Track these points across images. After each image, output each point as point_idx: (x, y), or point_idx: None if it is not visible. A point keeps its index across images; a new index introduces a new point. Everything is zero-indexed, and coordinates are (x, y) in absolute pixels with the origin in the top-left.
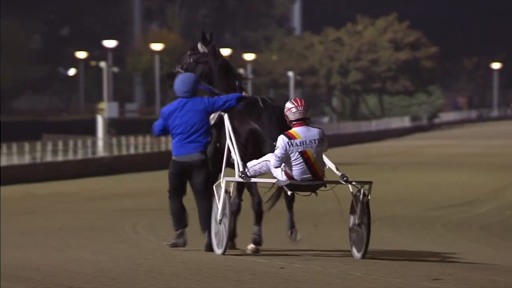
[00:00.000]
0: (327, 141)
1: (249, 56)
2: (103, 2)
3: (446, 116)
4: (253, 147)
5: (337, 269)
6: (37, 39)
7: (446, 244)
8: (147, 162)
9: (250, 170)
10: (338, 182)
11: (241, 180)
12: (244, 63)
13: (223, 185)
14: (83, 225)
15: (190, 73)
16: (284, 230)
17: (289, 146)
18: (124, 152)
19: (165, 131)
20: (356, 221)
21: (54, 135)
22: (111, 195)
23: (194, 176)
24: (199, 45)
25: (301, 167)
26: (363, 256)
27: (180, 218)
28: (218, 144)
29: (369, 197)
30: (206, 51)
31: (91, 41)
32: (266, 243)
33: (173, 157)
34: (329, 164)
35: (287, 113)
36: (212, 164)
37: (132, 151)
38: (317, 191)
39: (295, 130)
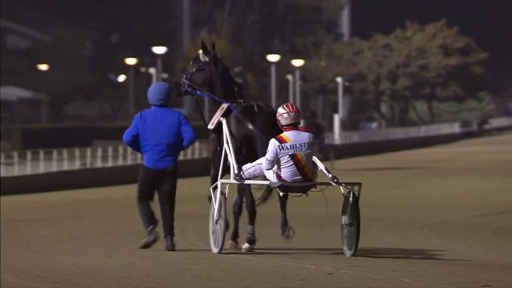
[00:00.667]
0: (316, 145)
1: (297, 62)
2: (153, 9)
3: (496, 122)
4: (247, 150)
5: (385, 275)
6: (89, 46)
7: (495, 250)
8: (196, 167)
9: (245, 173)
10: (328, 184)
11: (236, 182)
12: (293, 69)
13: (219, 187)
14: (131, 231)
15: (164, 83)
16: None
17: (280, 149)
18: (182, 157)
19: (134, 141)
20: (347, 221)
21: (104, 141)
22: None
23: (162, 183)
24: (200, 55)
25: (292, 169)
26: (354, 254)
27: (149, 217)
28: (218, 148)
29: (359, 198)
30: (207, 59)
31: (141, 48)
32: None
33: (143, 166)
34: (320, 166)
35: (279, 118)
36: (213, 167)
37: (181, 157)
38: (309, 192)
39: (286, 134)
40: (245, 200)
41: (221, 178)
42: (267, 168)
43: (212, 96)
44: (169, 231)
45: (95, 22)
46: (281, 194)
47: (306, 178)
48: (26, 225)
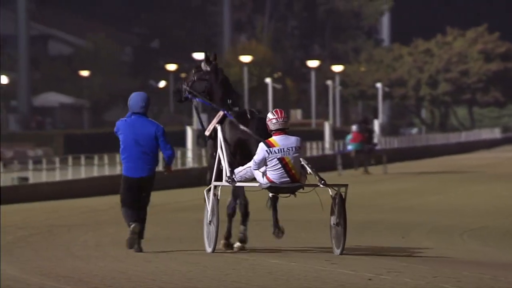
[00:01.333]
0: (303, 148)
1: (337, 68)
2: (193, 15)
3: None
4: (241, 154)
5: (425, 281)
6: (129, 52)
7: None
8: None
9: (237, 176)
10: (316, 185)
11: (228, 184)
12: (333, 75)
13: (212, 190)
14: (171, 236)
15: (143, 92)
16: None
17: (268, 153)
18: None
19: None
20: (335, 221)
21: None
22: (199, 206)
23: (139, 190)
24: (202, 64)
25: (280, 172)
26: (341, 253)
27: (131, 215)
28: (214, 154)
29: (345, 199)
30: (209, 69)
31: (181, 53)
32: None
33: (125, 175)
34: (309, 169)
35: (268, 123)
36: (210, 171)
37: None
38: (308, 197)
39: (274, 139)
40: (239, 202)
41: (214, 181)
42: (254, 169)
43: (210, 103)
44: (139, 234)
45: (136, 28)
46: (270, 195)
47: (294, 179)
48: (67, 230)
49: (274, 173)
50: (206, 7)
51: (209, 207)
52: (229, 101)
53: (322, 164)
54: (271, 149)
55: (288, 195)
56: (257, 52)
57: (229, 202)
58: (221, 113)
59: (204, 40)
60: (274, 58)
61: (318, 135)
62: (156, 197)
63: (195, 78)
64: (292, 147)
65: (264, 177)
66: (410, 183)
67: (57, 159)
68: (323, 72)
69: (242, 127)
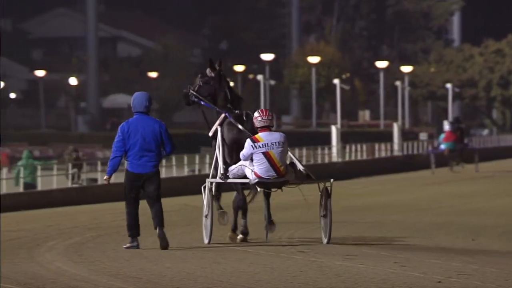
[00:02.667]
0: (287, 144)
1: (406, 68)
2: (262, 17)
3: None
4: (237, 153)
5: (495, 284)
6: (197, 53)
7: None
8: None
9: (231, 173)
10: (301, 180)
11: (221, 181)
12: (402, 75)
13: (207, 186)
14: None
15: (146, 92)
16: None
17: (253, 148)
18: None
19: (122, 156)
20: (322, 213)
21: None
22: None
23: (146, 186)
24: (207, 70)
25: (265, 165)
26: (328, 242)
27: (134, 227)
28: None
29: (331, 192)
30: (213, 75)
31: (249, 55)
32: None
33: (127, 170)
34: (299, 166)
35: (254, 121)
36: (214, 168)
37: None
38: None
39: (259, 135)
40: (237, 197)
41: (211, 177)
42: (243, 159)
43: (213, 106)
44: (159, 223)
45: (204, 30)
46: (258, 189)
47: (279, 173)
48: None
49: (260, 167)
50: (275, 8)
51: (205, 202)
52: (229, 105)
53: (391, 165)
54: (256, 144)
55: (275, 190)
56: (326, 53)
57: (234, 197)
58: (222, 115)
59: (272, 41)
60: (342, 59)
61: (386, 136)
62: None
63: (201, 83)
64: (276, 142)
65: (253, 174)
66: (482, 185)
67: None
68: (392, 72)
69: (239, 125)
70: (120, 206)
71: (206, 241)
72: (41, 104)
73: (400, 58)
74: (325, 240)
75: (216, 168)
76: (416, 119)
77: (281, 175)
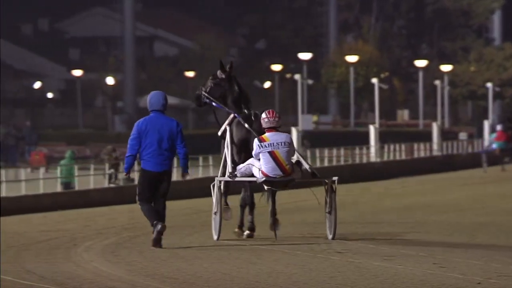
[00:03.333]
0: (293, 144)
1: (446, 67)
2: (299, 16)
3: None
4: (245, 151)
5: None
6: (234, 53)
7: None
8: (341, 174)
9: (239, 172)
10: (307, 179)
11: (229, 179)
12: (441, 74)
13: (216, 184)
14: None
15: (161, 91)
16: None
17: (260, 147)
18: (318, 164)
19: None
20: (327, 210)
21: None
22: (305, 208)
23: (159, 183)
24: (218, 72)
25: (271, 165)
26: (333, 238)
27: (153, 215)
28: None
29: (335, 190)
30: (223, 77)
31: (286, 54)
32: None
33: (144, 169)
34: (304, 164)
35: (262, 122)
36: (223, 167)
37: (326, 163)
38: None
39: (266, 135)
40: (244, 195)
41: (220, 175)
42: (255, 158)
43: (223, 107)
44: (163, 218)
45: (241, 29)
46: (266, 188)
47: (285, 173)
48: (171, 231)
49: (267, 166)
50: (312, 7)
51: (214, 199)
52: (239, 106)
53: (430, 165)
54: (262, 143)
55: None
56: (364, 52)
57: (241, 195)
58: (231, 115)
59: (309, 40)
60: (381, 58)
61: (425, 136)
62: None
63: (212, 84)
64: (281, 142)
65: (260, 172)
66: None
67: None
68: (431, 71)
69: (246, 125)
70: None
71: (215, 237)
72: (78, 103)
73: (440, 57)
74: (330, 236)
75: (225, 167)
76: (456, 119)
77: (287, 174)
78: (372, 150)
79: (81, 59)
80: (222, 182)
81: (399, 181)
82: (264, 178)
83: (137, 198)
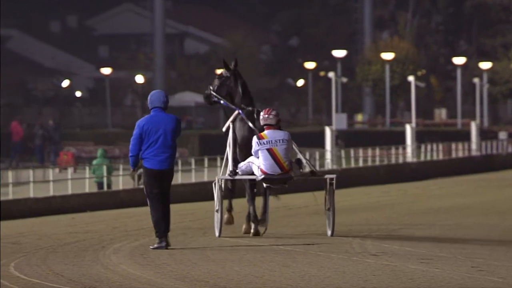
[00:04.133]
0: (291, 141)
1: (485, 65)
2: (333, 12)
3: None
4: (246, 148)
5: None
6: (267, 50)
7: None
8: (376, 175)
9: (240, 169)
10: (306, 176)
11: (230, 177)
12: (480, 72)
13: (217, 182)
14: (310, 241)
15: (162, 90)
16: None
17: (258, 145)
18: (352, 165)
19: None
20: (327, 207)
21: None
22: (339, 209)
23: (162, 182)
24: (223, 71)
25: (269, 162)
26: (332, 234)
27: (161, 226)
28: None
29: (334, 187)
30: (228, 75)
31: (320, 52)
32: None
33: (148, 168)
34: (304, 163)
35: (260, 119)
36: (225, 165)
37: (360, 164)
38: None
39: (265, 132)
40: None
41: (222, 173)
42: (254, 156)
43: (228, 104)
44: (167, 228)
45: (274, 26)
46: (264, 185)
47: (284, 170)
48: (203, 233)
49: (265, 163)
50: (346, 3)
51: (215, 197)
52: (242, 104)
53: (468, 166)
54: (261, 140)
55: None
56: (400, 49)
57: (248, 186)
58: (236, 112)
59: (344, 37)
60: (417, 55)
61: (464, 136)
62: (295, 199)
63: (218, 83)
64: (279, 140)
65: (259, 170)
66: None
67: (192, 160)
68: (470, 69)
69: (250, 123)
70: (188, 208)
71: (216, 234)
72: (107, 102)
73: (479, 53)
74: (329, 233)
75: (227, 165)
76: (495, 118)
77: (286, 171)
78: (409, 150)
79: (110, 57)
80: (226, 183)
81: (436, 182)
82: (263, 176)
83: (147, 199)
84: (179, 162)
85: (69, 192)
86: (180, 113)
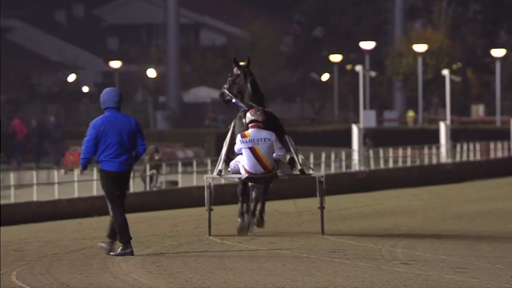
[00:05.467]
0: (277, 141)
1: None
2: (361, 1)
3: None
4: None
5: None
6: (289, 42)
7: None
8: (408, 177)
9: (230, 168)
10: (292, 175)
11: (217, 176)
12: None
13: (205, 182)
14: (332, 247)
15: (115, 87)
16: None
17: (241, 143)
18: (382, 166)
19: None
20: (318, 205)
21: (306, 147)
22: (367, 214)
23: (121, 185)
24: (234, 69)
25: (252, 161)
26: (323, 232)
27: (125, 231)
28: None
29: (323, 186)
30: (239, 72)
31: (346, 43)
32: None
33: (105, 170)
34: (297, 161)
35: (246, 118)
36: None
37: (390, 164)
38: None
39: (248, 131)
40: (257, 190)
41: (219, 172)
42: (237, 152)
43: (239, 103)
44: (126, 237)
45: (296, 16)
46: (249, 184)
47: (266, 169)
48: (220, 239)
49: (248, 162)
50: None
51: (206, 196)
52: (250, 102)
53: (509, 167)
54: (243, 139)
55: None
56: (433, 40)
57: (255, 192)
58: (241, 111)
59: (372, 28)
60: (453, 47)
61: (503, 134)
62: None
63: (230, 81)
64: (262, 139)
65: (243, 169)
66: None
67: (208, 161)
68: (510, 62)
69: (244, 120)
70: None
71: (208, 233)
72: None
73: None
74: (320, 231)
75: (219, 160)
76: None
77: (269, 170)
78: (443, 149)
79: (120, 49)
80: (239, 185)
81: (473, 185)
82: (246, 175)
83: (108, 203)
84: (194, 163)
85: (75, 195)
86: (196, 109)
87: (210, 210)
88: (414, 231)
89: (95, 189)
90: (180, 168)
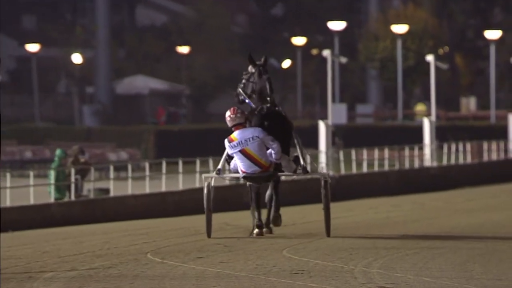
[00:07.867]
0: (266, 136)
1: None
2: None
3: None
4: None
5: None
6: (242, 21)
7: None
8: (385, 183)
9: (230, 167)
10: (291, 174)
11: (216, 176)
12: None
13: (204, 181)
14: (299, 268)
15: None
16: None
17: (230, 148)
18: (354, 170)
19: None
20: (322, 206)
21: None
22: (337, 227)
23: None
24: (249, 67)
25: (246, 162)
26: (328, 235)
27: None
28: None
29: (329, 186)
30: (253, 71)
31: (311, 23)
32: None
33: None
34: (301, 160)
35: (227, 121)
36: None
37: (364, 169)
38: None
39: (233, 134)
40: (269, 192)
41: (226, 172)
42: (228, 161)
43: (251, 103)
44: None
45: None
46: (247, 184)
47: (262, 167)
48: (161, 258)
49: (242, 164)
50: None
51: (204, 196)
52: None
53: (505, 171)
54: (231, 143)
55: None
56: (415, 20)
57: (268, 192)
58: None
59: (343, 5)
60: (439, 28)
61: (499, 132)
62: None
63: (245, 80)
64: (249, 138)
65: (240, 170)
66: None
67: (146, 165)
68: (507, 46)
69: (252, 122)
70: (141, 225)
71: (207, 235)
72: (34, 89)
73: None
74: (326, 233)
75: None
76: None
77: (265, 169)
78: (427, 151)
79: (38, 29)
80: (252, 190)
81: (463, 193)
82: (243, 174)
83: None
84: (129, 167)
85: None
86: (131, 102)
87: (210, 211)
88: (393, 249)
89: (8, 199)
90: (112, 173)
